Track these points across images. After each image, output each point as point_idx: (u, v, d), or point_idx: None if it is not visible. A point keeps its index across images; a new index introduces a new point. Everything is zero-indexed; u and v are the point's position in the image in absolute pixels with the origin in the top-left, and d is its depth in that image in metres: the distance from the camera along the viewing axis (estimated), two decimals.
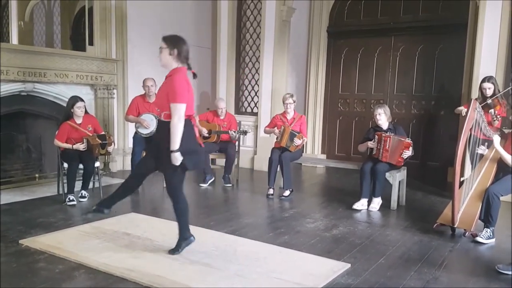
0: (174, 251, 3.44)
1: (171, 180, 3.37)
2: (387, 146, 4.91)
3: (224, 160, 6.16)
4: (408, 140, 4.90)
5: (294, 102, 5.62)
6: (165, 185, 4.90)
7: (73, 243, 3.62)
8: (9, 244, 3.58)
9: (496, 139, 4.04)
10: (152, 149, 3.57)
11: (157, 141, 3.42)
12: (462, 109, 5.21)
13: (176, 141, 3.12)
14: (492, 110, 4.80)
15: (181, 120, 3.14)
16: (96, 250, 3.48)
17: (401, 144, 4.87)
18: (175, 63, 3.25)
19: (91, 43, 6.41)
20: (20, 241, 3.62)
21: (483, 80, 5.05)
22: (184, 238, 3.46)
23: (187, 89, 3.22)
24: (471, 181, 4.35)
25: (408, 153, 4.88)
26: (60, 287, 2.87)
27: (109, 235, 3.85)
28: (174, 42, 3.24)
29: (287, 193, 5.48)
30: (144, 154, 3.50)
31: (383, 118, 5.08)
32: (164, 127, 3.22)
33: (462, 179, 4.68)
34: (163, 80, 3.38)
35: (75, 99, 5.05)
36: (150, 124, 5.53)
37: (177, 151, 3.13)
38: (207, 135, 6.06)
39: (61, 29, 6.53)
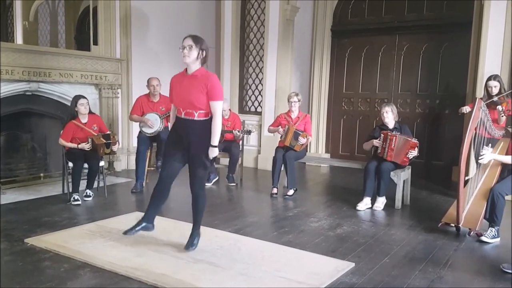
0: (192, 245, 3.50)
1: (204, 174, 3.48)
2: (393, 145, 4.90)
3: (228, 159, 6.16)
4: (415, 140, 4.88)
5: (299, 101, 5.62)
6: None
7: (78, 242, 3.63)
8: (14, 243, 3.60)
9: (488, 154, 4.02)
10: (179, 147, 3.41)
11: (189, 139, 3.34)
12: (466, 107, 5.22)
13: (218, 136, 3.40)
14: (499, 107, 4.79)
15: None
16: (101, 249, 3.49)
17: (407, 144, 4.86)
18: (199, 63, 3.31)
19: (95, 43, 6.43)
20: (26, 240, 3.65)
21: (489, 79, 5.05)
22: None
23: None
24: (476, 180, 4.34)
25: (413, 153, 4.87)
26: (66, 285, 2.89)
27: (114, 234, 3.85)
28: (203, 43, 3.30)
29: (291, 192, 5.48)
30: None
31: (390, 116, 5.07)
32: (198, 125, 3.33)
33: (466, 178, 4.67)
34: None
35: (77, 97, 5.10)
36: (154, 123, 5.56)
37: (216, 146, 3.39)
38: None
39: (66, 29, 6.55)
